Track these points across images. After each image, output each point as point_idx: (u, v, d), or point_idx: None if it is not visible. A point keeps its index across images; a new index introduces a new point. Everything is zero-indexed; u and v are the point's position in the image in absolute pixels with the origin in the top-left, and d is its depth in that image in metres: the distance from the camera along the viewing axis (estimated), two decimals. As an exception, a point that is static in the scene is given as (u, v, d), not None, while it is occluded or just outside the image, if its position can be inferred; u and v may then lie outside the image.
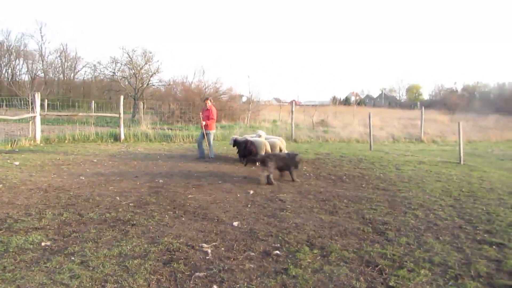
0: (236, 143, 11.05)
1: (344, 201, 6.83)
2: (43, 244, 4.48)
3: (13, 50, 59.28)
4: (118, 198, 6.68)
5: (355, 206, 6.48)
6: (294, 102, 21.79)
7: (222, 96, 31.63)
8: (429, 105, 52.96)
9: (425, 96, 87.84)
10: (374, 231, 5.22)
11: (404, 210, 6.31)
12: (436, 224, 5.63)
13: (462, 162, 11.84)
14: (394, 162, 11.59)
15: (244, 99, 36.80)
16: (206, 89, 31.40)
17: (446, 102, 59.21)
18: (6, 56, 59.22)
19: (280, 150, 10.96)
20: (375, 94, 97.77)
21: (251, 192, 7.33)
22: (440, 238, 5.02)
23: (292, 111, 18.99)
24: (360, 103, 67.54)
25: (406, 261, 4.21)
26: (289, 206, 6.36)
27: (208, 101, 12.12)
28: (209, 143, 11.77)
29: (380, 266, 4.07)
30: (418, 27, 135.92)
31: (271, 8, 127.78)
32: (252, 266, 3.99)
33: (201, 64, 52.90)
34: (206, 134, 11.71)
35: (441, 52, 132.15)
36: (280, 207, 6.34)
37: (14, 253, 4.20)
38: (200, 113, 12.18)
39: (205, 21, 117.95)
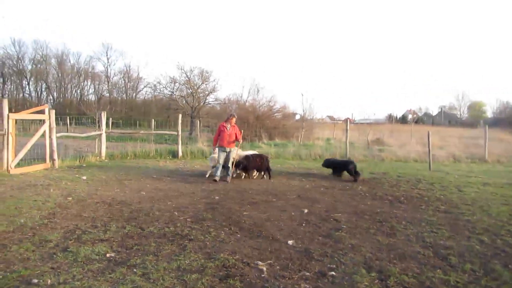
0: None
1: (402, 222, 6.60)
2: (108, 255, 4.74)
3: (82, 72, 63.91)
4: (176, 213, 6.92)
5: (414, 229, 6.24)
6: (348, 120, 21.42)
7: (275, 114, 31.88)
8: (493, 123, 50.03)
9: (489, 114, 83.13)
10: (435, 256, 4.99)
11: (468, 235, 5.97)
12: (504, 250, 5.28)
13: (532, 185, 11.02)
14: (456, 183, 11.03)
15: (297, 117, 36.82)
16: (260, 107, 31.80)
17: (512, 121, 55.62)
18: (76, 77, 63.87)
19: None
20: (433, 111, 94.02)
21: (306, 211, 7.30)
22: (510, 266, 4.70)
23: (346, 129, 18.69)
24: (417, 121, 65.11)
25: (471, 289, 3.99)
26: (344, 226, 6.25)
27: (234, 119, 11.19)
28: (227, 162, 10.84)
29: (443, 292, 3.89)
30: (480, 41, 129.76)
31: (326, 27, 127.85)
32: (308, 286, 3.97)
33: (255, 83, 53.66)
34: (228, 152, 10.84)
35: (506, 68, 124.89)
36: (335, 227, 6.25)
37: (82, 262, 4.47)
38: (226, 130, 10.82)
39: (260, 40, 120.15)
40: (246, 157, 11.30)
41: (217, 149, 10.92)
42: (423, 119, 79.98)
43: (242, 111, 31.67)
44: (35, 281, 3.93)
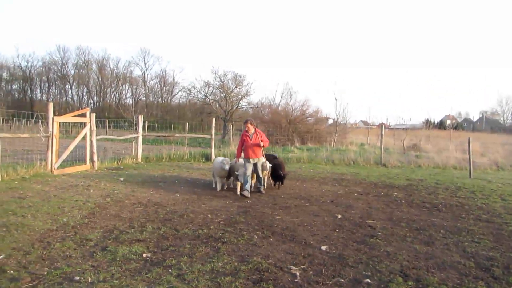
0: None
1: (441, 231, 6.41)
2: (144, 255, 4.87)
3: (120, 77, 66.04)
4: (209, 215, 7.02)
5: (454, 238, 6.05)
6: (383, 125, 20.98)
7: (308, 118, 31.72)
8: (540, 129, 47.58)
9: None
10: (477, 267, 4.82)
11: (512, 246, 5.73)
12: (550, 263, 5.03)
13: None
14: (499, 192, 10.58)
15: (330, 121, 36.49)
16: (293, 112, 31.73)
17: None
18: (115, 82, 66.07)
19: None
20: (474, 117, 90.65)
21: (339, 216, 7.22)
22: (556, 279, 4.49)
23: (381, 135, 18.35)
24: (457, 127, 63.01)
25: (515, 302, 3.83)
26: (379, 233, 6.15)
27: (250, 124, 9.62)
28: (258, 173, 9.57)
29: (484, 304, 3.76)
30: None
31: (360, 30, 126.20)
32: (342, 292, 3.93)
33: (288, 87, 53.75)
34: (256, 163, 9.41)
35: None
36: (370, 233, 6.15)
37: (120, 262, 4.62)
38: (249, 140, 9.35)
39: (294, 44, 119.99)
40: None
41: (241, 160, 9.43)
42: (462, 125, 77.24)
43: (275, 115, 31.73)
44: (77, 278, 4.09)
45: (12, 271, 4.23)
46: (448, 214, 7.77)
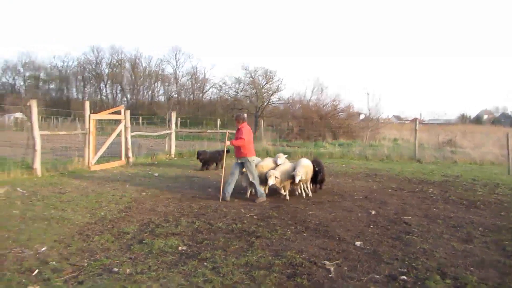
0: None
1: (479, 229, 6.19)
2: (180, 248, 4.97)
3: (153, 75, 67.39)
4: (242, 210, 7.07)
5: (494, 236, 5.83)
6: (417, 120, 20.46)
7: (340, 113, 31.38)
8: None
9: None
10: (518, 265, 4.63)
11: (556, 244, 5.47)
12: None
13: None
14: (541, 189, 10.12)
15: (362, 116, 35.96)
16: (324, 107, 31.46)
17: None
18: (147, 80, 67.53)
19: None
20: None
21: (373, 212, 7.11)
22: None
23: (415, 129, 17.89)
24: (494, 122, 60.63)
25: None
26: (415, 230, 6.01)
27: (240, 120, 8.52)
28: (253, 177, 8.08)
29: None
30: None
31: (392, 23, 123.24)
32: (377, 289, 3.88)
33: (319, 82, 53.24)
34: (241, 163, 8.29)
35: None
36: (405, 230, 6.02)
37: (156, 254, 4.73)
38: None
39: (325, 40, 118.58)
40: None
41: (252, 160, 8.27)
42: (500, 120, 74.20)
43: (306, 110, 31.56)
44: (116, 269, 4.22)
45: (54, 262, 4.42)
46: (486, 211, 7.49)
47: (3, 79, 70.34)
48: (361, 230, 5.98)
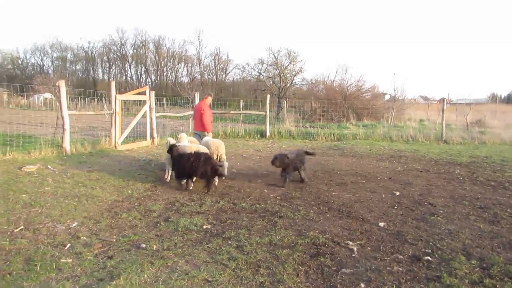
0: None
1: (507, 210, 6.08)
2: (204, 227, 5.07)
3: (176, 56, 67.73)
4: (266, 190, 7.13)
5: (522, 217, 5.71)
6: (444, 100, 19.87)
7: (364, 94, 30.86)
8: None
9: None
10: (546, 247, 4.54)
11: None
12: None
13: None
14: None
15: (387, 97, 35.30)
16: (348, 87, 30.97)
17: None
18: (171, 61, 67.93)
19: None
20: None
21: (397, 193, 7.05)
22: None
23: (442, 110, 17.46)
24: (527, 100, 58.42)
25: None
26: (440, 211, 5.94)
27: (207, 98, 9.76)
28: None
29: (555, 287, 3.55)
30: None
31: (420, 1, 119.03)
32: (401, 269, 3.88)
33: (343, 62, 52.45)
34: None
35: None
36: (430, 211, 5.96)
37: (182, 232, 4.85)
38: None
39: (349, 19, 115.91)
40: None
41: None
42: (533, 99, 71.45)
43: (330, 91, 31.17)
44: (143, 245, 4.36)
45: (85, 237, 4.60)
46: (516, 193, 7.32)
47: (32, 60, 72.36)
48: (385, 211, 5.95)
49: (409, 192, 7.22)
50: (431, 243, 4.58)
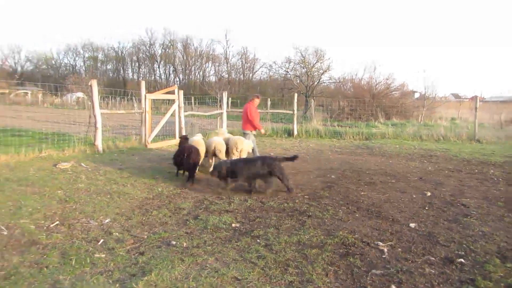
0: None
1: (545, 212, 5.85)
2: (233, 225, 5.12)
3: (204, 55, 68.41)
4: (294, 189, 7.11)
5: (561, 220, 5.49)
6: (477, 97, 19.26)
7: (393, 92, 30.32)
8: None
9: None
10: None
11: None
12: None
13: None
14: None
15: (417, 95, 34.55)
16: (377, 86, 30.48)
17: None
18: (198, 60, 68.71)
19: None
20: None
21: (428, 194, 6.91)
22: None
23: (475, 108, 16.94)
24: None
25: None
26: (474, 212, 5.78)
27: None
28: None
29: None
30: None
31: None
32: (433, 271, 3.80)
33: (372, 60, 51.62)
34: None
35: None
36: (463, 212, 5.81)
37: (211, 230, 4.92)
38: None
39: (377, 16, 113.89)
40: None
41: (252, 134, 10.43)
42: None
43: (358, 89, 30.76)
44: (173, 242, 4.45)
45: (117, 233, 4.73)
46: (555, 194, 7.04)
47: (65, 60, 74.79)
48: (416, 211, 5.84)
49: (441, 192, 7.06)
50: (464, 245, 4.47)
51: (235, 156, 8.45)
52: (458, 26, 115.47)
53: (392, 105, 26.44)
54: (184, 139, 8.53)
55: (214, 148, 8.50)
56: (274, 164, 6.86)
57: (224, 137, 9.32)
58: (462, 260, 4.05)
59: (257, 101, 10.61)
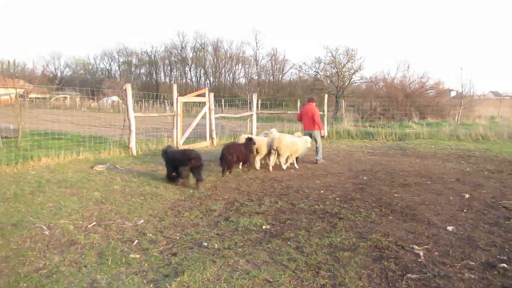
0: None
1: None
2: (264, 227, 5.10)
3: (234, 57, 68.95)
4: (324, 191, 7.02)
5: None
6: (519, 95, 18.42)
7: (428, 91, 29.51)
8: None
9: None
10: None
11: None
12: None
13: None
14: None
15: (453, 93, 33.49)
16: (411, 84, 29.77)
17: None
18: (228, 62, 69.33)
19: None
20: None
21: (467, 196, 6.65)
22: None
23: (517, 106, 16.28)
24: None
25: None
26: (516, 216, 5.52)
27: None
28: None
29: None
30: None
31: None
32: (473, 276, 3.65)
33: (405, 58, 50.41)
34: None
35: None
36: (504, 215, 5.56)
37: (242, 232, 4.91)
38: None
39: (410, 13, 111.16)
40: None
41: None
42: None
43: (390, 89, 30.16)
44: (205, 244, 4.46)
45: (151, 234, 4.80)
46: None
47: (101, 65, 77.29)
48: (453, 214, 5.64)
49: (480, 194, 6.78)
50: (506, 250, 4.27)
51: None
52: (497, 19, 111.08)
53: (427, 104, 25.75)
54: (248, 141, 9.04)
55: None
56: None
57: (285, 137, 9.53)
58: (505, 265, 3.86)
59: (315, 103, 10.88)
